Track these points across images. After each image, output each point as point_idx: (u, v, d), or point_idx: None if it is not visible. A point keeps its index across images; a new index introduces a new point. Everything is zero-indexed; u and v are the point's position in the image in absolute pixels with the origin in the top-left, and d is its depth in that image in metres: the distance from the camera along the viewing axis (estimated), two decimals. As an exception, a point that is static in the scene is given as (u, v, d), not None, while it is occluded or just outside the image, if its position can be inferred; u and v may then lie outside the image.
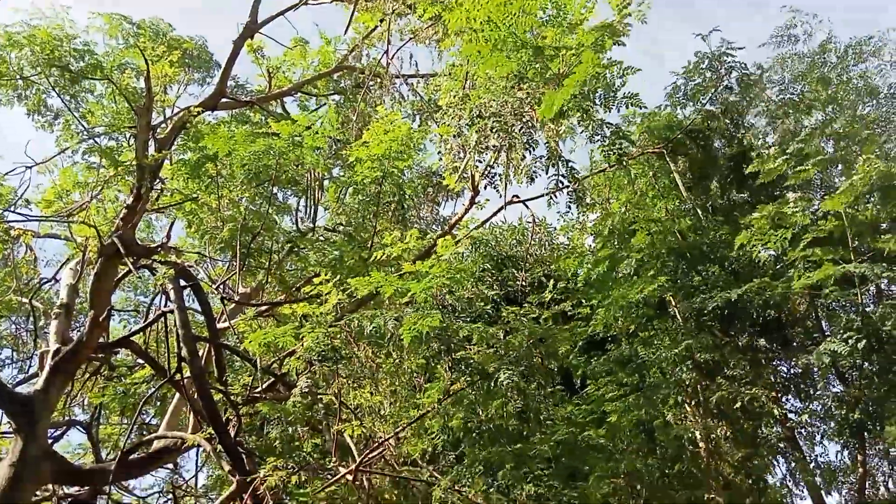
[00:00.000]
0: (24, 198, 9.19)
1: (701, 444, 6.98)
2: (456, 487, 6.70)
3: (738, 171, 7.55)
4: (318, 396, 7.43)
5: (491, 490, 8.17)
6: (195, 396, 7.54)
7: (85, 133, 9.76)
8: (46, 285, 10.78)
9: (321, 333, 6.21)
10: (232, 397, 6.97)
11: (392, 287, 6.10)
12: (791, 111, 8.12)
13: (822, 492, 6.75)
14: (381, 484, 8.11)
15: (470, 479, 6.28)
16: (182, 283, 7.40)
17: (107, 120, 9.68)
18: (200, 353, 7.59)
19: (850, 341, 5.36)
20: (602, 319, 7.44)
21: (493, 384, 6.33)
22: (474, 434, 6.19)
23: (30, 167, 9.33)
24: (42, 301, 10.62)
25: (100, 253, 7.73)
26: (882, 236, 5.69)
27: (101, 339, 8.03)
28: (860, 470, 6.54)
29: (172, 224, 10.60)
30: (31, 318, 10.33)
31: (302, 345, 6.23)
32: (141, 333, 9.05)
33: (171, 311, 6.98)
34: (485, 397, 6.32)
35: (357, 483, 7.41)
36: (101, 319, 7.39)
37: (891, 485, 6.35)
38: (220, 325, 8.80)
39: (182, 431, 8.10)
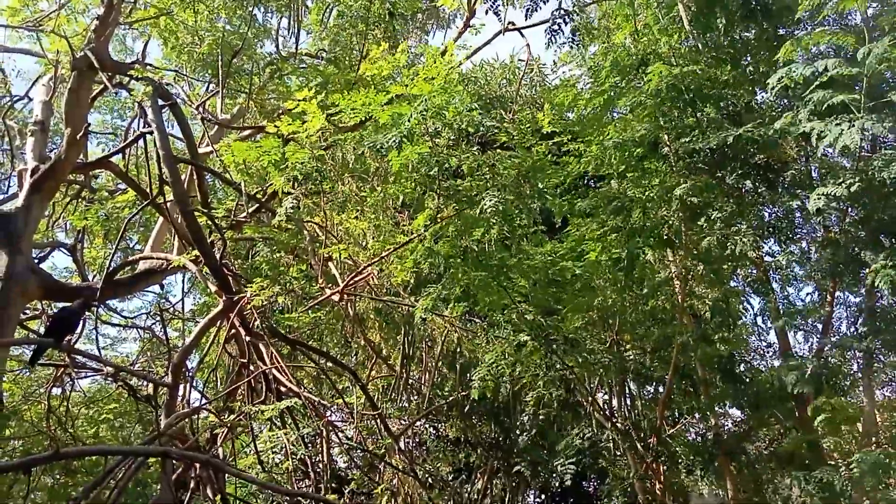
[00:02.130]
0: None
1: (677, 283, 7.16)
2: (436, 312, 6.89)
3: (745, 6, 7.14)
4: (304, 223, 7.44)
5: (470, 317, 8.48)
6: (179, 220, 7.53)
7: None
8: (19, 104, 10.40)
9: (306, 154, 6.08)
10: (216, 221, 6.95)
11: (386, 114, 5.91)
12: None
13: (788, 331, 7.06)
14: (365, 309, 8.36)
15: (450, 305, 6.44)
16: (160, 102, 7.11)
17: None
18: (182, 178, 7.47)
19: (845, 185, 5.34)
20: (593, 157, 7.32)
21: (479, 212, 6.32)
22: (458, 259, 6.26)
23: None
24: (15, 121, 10.29)
25: (73, 67, 7.34)
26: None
27: (79, 159, 7.87)
28: (827, 310, 6.80)
29: (147, 42, 10.08)
30: (6, 139, 10.03)
31: (287, 164, 6.12)
32: (120, 156, 8.86)
33: (150, 132, 6.75)
34: (469, 224, 6.33)
35: (341, 307, 7.61)
36: (78, 137, 7.17)
37: (854, 327, 6.64)
38: (201, 150, 8.62)
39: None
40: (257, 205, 7.84)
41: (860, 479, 5.28)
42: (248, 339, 6.67)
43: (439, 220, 6.49)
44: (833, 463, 5.74)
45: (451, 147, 6.76)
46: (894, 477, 5.47)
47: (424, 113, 5.58)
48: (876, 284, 5.64)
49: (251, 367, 6.69)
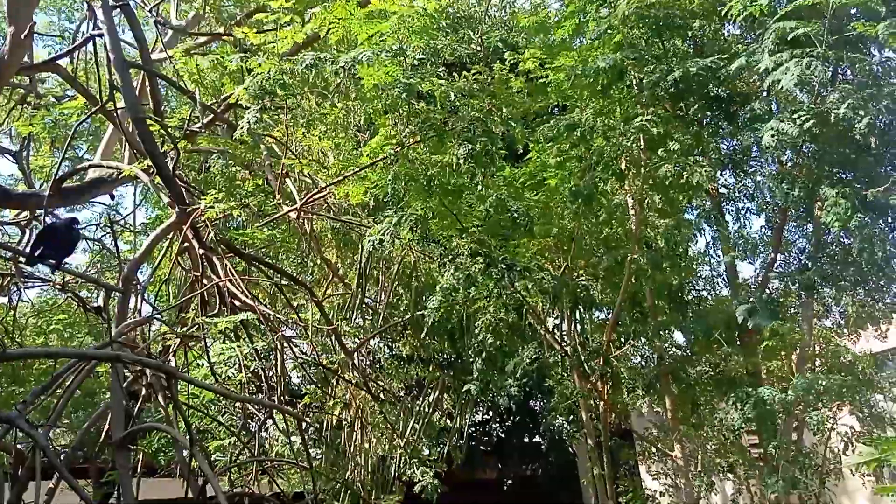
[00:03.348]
0: None
1: (633, 212, 7.26)
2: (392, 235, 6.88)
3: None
4: (262, 136, 7.27)
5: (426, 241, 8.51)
6: (130, 128, 7.27)
7: None
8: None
9: (273, 67, 5.89)
10: (170, 130, 6.74)
11: (366, 32, 5.75)
12: None
13: (737, 262, 7.27)
14: (322, 228, 8.31)
15: (406, 229, 6.43)
16: (111, 2, 6.75)
17: None
18: (134, 84, 7.19)
19: (797, 121, 5.41)
20: (559, 85, 7.26)
21: (444, 139, 6.27)
22: (418, 183, 6.22)
23: None
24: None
25: (14, -42, 6.88)
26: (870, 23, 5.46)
27: (24, 61, 7.49)
28: (776, 242, 7.01)
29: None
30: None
31: (248, 76, 5.92)
32: (68, 60, 8.45)
33: (101, 35, 6.43)
34: (434, 149, 6.28)
35: (298, 225, 7.55)
36: (23, 37, 6.80)
37: (800, 260, 6.86)
38: (154, 56, 8.27)
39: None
40: (213, 116, 7.62)
41: (792, 401, 5.59)
42: (201, 252, 6.58)
43: (404, 144, 6.42)
44: (769, 386, 6.03)
45: (417, 68, 6.63)
46: (823, 399, 5.79)
47: (398, 33, 5.45)
48: (824, 219, 5.83)
49: (204, 281, 6.63)
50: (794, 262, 6.89)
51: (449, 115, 6.58)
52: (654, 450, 7.76)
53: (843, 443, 7.07)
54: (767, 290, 6.64)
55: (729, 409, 6.43)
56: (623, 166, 6.98)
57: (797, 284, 6.42)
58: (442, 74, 6.97)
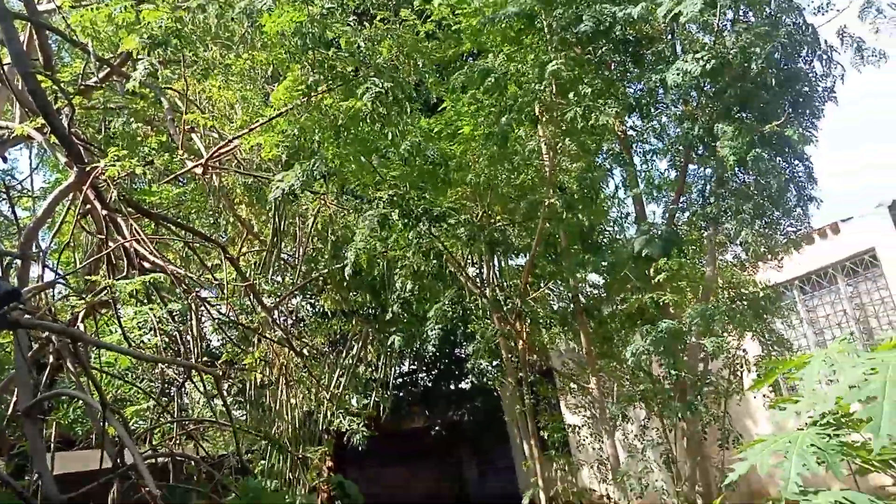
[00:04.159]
0: None
1: (545, 157, 7.38)
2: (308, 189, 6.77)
3: None
4: (162, 89, 6.92)
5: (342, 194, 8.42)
6: (19, 85, 6.78)
7: None
8: None
9: (165, 14, 5.58)
10: (63, 86, 6.32)
11: None
12: None
13: (645, 201, 7.53)
14: (233, 184, 8.07)
15: (318, 178, 6.33)
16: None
17: None
18: (21, 37, 6.69)
19: (699, 62, 5.58)
20: (472, 32, 7.22)
21: (354, 88, 6.13)
22: (328, 133, 6.11)
23: None
24: None
25: None
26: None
27: None
28: (680, 180, 7.29)
29: None
30: None
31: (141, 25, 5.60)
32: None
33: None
34: (344, 97, 6.15)
35: (206, 181, 7.29)
36: None
37: (703, 197, 7.16)
38: (41, 7, 7.70)
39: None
40: (109, 69, 7.18)
41: (686, 330, 5.93)
42: (104, 213, 6.27)
43: (312, 92, 6.25)
44: (672, 318, 6.35)
45: (325, 17, 6.43)
46: (720, 326, 6.16)
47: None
48: (723, 156, 6.10)
49: (110, 244, 6.35)
50: (698, 199, 7.20)
51: (359, 65, 6.44)
52: (572, 385, 8.09)
53: (745, 367, 7.56)
54: (672, 226, 6.93)
55: (638, 341, 6.76)
56: (536, 111, 7.06)
57: (700, 219, 6.72)
58: (351, 24, 6.80)
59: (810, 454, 2.97)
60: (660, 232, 6.55)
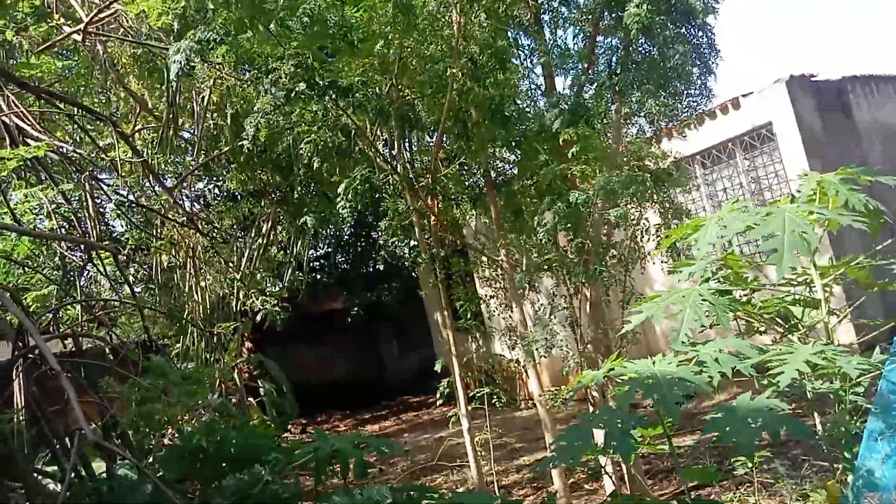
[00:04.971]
0: None
1: (455, 26, 7.16)
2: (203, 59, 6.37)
3: None
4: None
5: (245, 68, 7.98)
6: None
7: None
8: None
9: None
10: None
11: None
12: None
13: (555, 73, 7.51)
14: (123, 56, 7.50)
15: (214, 50, 5.96)
16: None
17: None
18: None
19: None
20: None
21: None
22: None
23: None
24: None
25: None
26: None
27: None
28: (588, 51, 7.28)
29: None
30: None
31: None
32: None
33: None
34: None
35: (90, 50, 6.74)
36: None
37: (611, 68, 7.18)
38: None
39: None
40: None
41: (591, 200, 6.13)
42: (-24, 86, 5.76)
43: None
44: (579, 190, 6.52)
45: None
46: (624, 196, 6.37)
47: None
48: (628, 24, 6.09)
49: (-14, 119, 5.87)
50: (605, 71, 7.21)
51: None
52: (483, 259, 8.29)
53: (645, 236, 7.92)
54: (580, 98, 6.97)
55: (546, 215, 6.93)
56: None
57: (607, 90, 6.78)
58: None
59: (702, 308, 3.18)
60: (568, 104, 6.58)
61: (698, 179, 14.59)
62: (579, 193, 6.16)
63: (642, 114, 7.26)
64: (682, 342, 3.06)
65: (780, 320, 3.63)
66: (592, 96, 7.06)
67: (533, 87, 7.90)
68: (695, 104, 7.50)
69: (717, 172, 14.57)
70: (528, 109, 7.53)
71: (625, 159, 7.46)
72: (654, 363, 3.14)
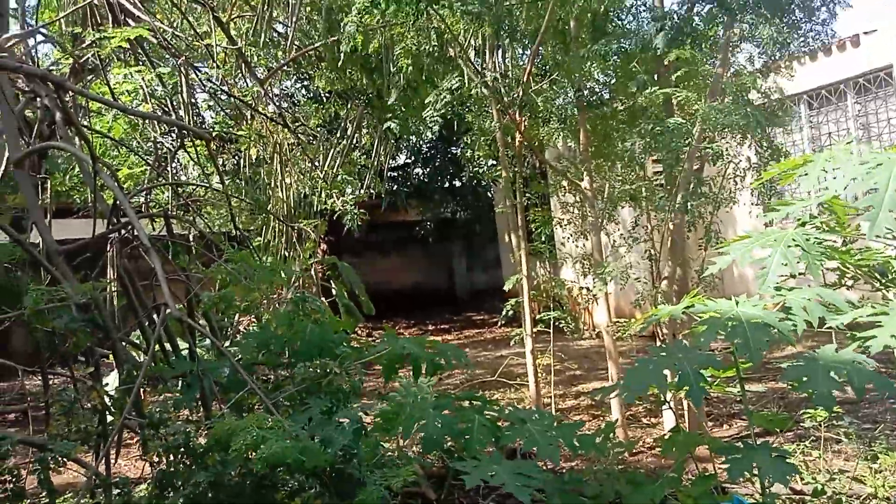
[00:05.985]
0: None
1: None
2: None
3: None
4: None
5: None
6: None
7: None
8: None
9: None
10: None
11: None
12: None
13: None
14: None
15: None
16: None
17: None
18: None
19: None
20: None
21: None
22: None
23: None
24: None
25: None
26: None
27: None
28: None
29: None
30: None
31: None
32: None
33: None
34: None
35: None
36: None
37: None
38: None
39: None
40: None
41: (692, 130, 5.80)
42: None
43: None
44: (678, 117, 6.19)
45: None
46: (724, 124, 5.99)
47: None
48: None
49: (92, -4, 5.96)
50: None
51: None
52: (564, 183, 8.10)
53: (740, 175, 7.53)
54: (687, 16, 6.51)
55: (636, 138, 6.64)
56: None
57: (719, 12, 6.31)
58: None
59: (793, 252, 2.98)
60: (674, 22, 6.18)
61: (802, 120, 13.70)
62: (677, 120, 5.84)
63: (755, 42, 6.74)
64: (769, 287, 2.90)
65: (878, 275, 3.40)
66: (703, 16, 6.58)
67: (638, 1, 7.42)
68: (813, 36, 6.93)
69: (823, 115, 13.63)
70: (629, 26, 7.12)
71: (729, 88, 7.02)
72: (736, 304, 3.01)
